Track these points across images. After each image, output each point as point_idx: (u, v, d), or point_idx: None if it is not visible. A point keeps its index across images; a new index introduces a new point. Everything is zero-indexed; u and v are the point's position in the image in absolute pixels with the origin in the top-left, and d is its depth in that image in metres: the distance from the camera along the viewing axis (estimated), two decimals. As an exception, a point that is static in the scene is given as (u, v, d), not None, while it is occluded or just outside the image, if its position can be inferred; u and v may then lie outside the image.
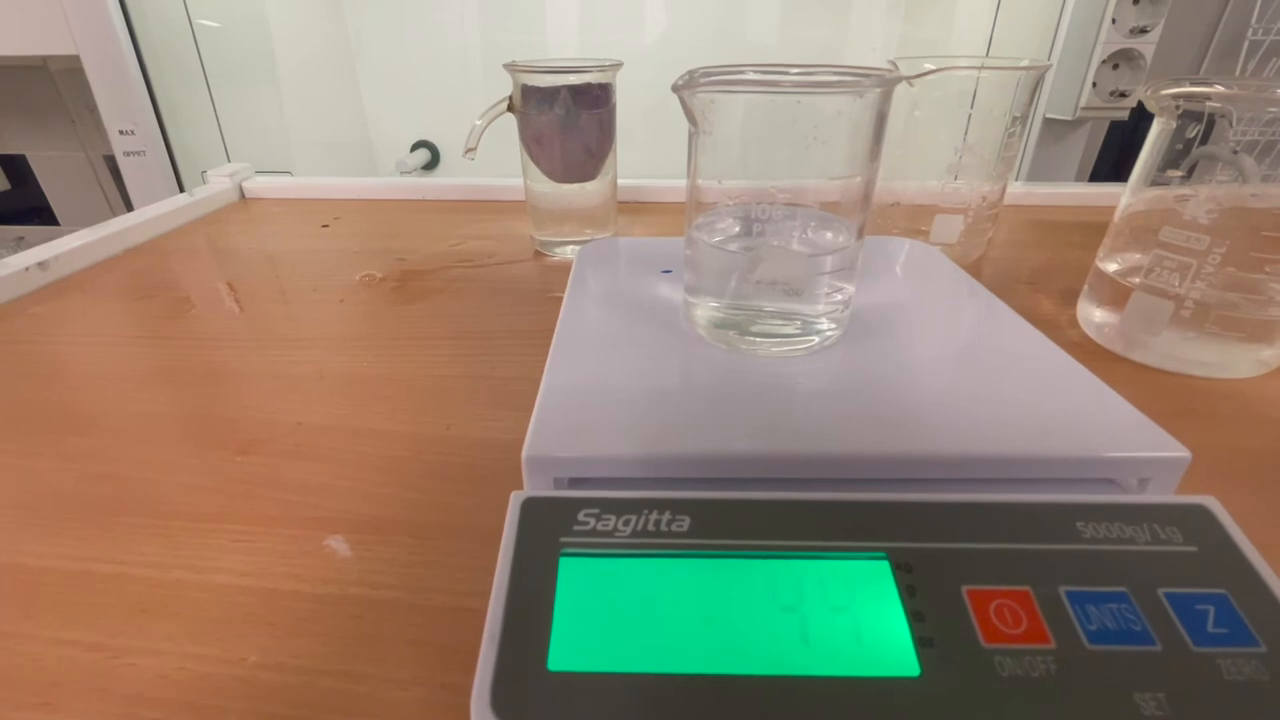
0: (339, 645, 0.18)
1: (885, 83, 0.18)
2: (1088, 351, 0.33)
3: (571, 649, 0.14)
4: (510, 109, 0.42)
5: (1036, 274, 0.43)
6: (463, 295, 0.40)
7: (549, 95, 0.40)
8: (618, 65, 0.41)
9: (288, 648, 0.18)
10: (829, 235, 0.22)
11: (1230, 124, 0.28)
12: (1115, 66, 0.63)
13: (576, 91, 0.40)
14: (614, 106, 0.42)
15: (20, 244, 1.05)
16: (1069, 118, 0.65)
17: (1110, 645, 0.14)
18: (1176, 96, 0.29)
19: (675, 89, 0.19)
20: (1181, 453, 0.17)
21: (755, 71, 0.21)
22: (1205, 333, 0.29)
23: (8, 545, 0.21)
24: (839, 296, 0.22)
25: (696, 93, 0.19)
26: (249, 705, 0.16)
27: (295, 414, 0.28)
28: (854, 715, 0.13)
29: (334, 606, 0.19)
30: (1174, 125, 0.29)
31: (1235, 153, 0.28)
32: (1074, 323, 0.35)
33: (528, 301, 0.39)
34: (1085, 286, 0.35)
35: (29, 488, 0.24)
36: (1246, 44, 0.74)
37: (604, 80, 0.41)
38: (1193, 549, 0.15)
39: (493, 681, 0.13)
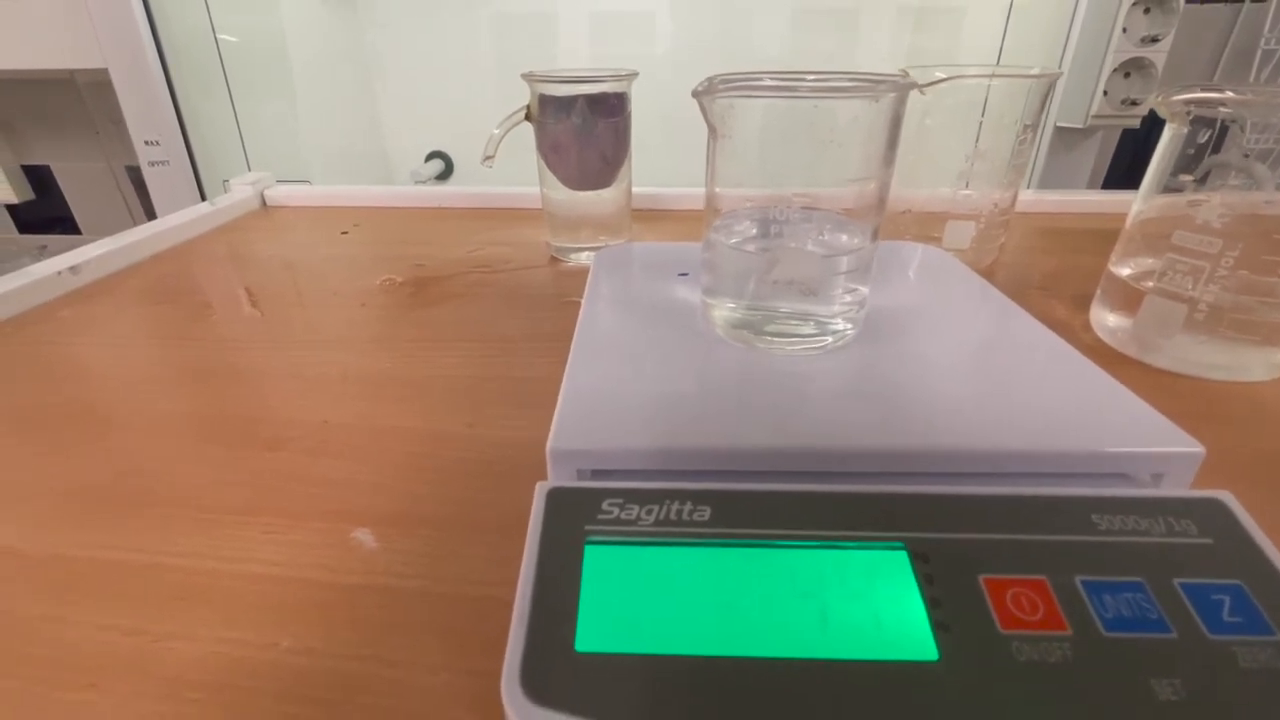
0: (367, 632, 0.18)
1: (899, 87, 0.19)
2: (1101, 355, 0.33)
3: (598, 631, 0.14)
4: (528, 118, 0.43)
5: (1049, 279, 0.43)
6: (480, 300, 0.41)
7: (566, 104, 0.41)
8: (633, 75, 0.42)
9: (318, 634, 0.18)
10: (844, 237, 0.22)
11: (1243, 130, 0.28)
12: (1126, 75, 0.63)
13: (593, 100, 0.41)
14: (629, 115, 0.43)
15: (43, 252, 1.07)
16: (1080, 126, 0.65)
17: (1126, 633, 0.14)
18: (1188, 102, 0.29)
19: (695, 94, 0.20)
20: (1195, 448, 0.17)
21: (772, 78, 0.21)
22: (1219, 336, 0.29)
23: (49, 537, 0.22)
24: (854, 297, 0.22)
25: (716, 98, 0.20)
26: (282, 687, 0.17)
27: (320, 413, 0.29)
28: (873, 697, 0.13)
29: (361, 595, 0.20)
30: (1185, 131, 0.30)
31: (1246, 156, 0.28)
32: (1087, 327, 0.36)
33: (544, 306, 0.40)
34: (1098, 291, 0.35)
35: (66, 483, 0.25)
36: (1260, 53, 0.74)
37: (620, 89, 0.42)
38: (1208, 541, 0.16)
39: (522, 661, 0.14)
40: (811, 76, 0.21)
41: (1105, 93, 0.63)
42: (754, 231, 0.22)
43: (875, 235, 0.22)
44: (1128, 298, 0.32)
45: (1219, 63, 0.76)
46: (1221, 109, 0.28)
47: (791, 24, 0.77)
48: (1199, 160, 0.30)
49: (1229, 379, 0.30)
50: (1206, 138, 0.29)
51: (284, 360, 0.33)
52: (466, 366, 0.33)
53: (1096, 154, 0.71)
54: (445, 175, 0.96)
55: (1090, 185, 0.74)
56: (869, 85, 0.19)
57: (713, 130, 0.21)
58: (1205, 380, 0.30)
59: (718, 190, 0.22)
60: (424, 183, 0.91)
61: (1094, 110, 0.64)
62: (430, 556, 0.21)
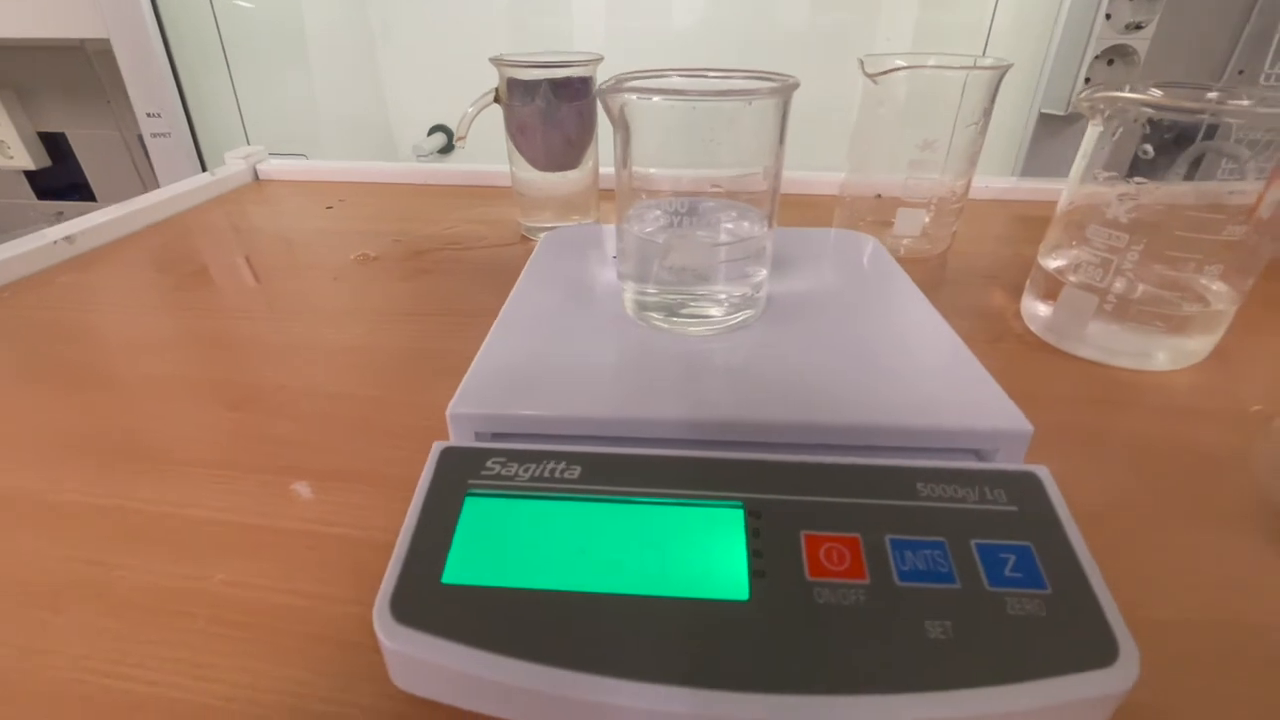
0: (293, 570, 0.21)
1: (781, 90, 0.21)
2: (1027, 343, 0.35)
3: (465, 567, 0.17)
4: (496, 100, 0.44)
5: (998, 268, 0.44)
6: (450, 275, 0.43)
7: (531, 88, 0.42)
8: (598, 59, 0.43)
9: (250, 570, 0.21)
10: (745, 224, 0.24)
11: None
12: (1110, 62, 0.63)
13: (557, 85, 0.42)
14: (594, 99, 0.44)
15: (59, 218, 1.10)
16: (1062, 113, 0.65)
17: (917, 583, 0.16)
18: (1104, 100, 0.30)
19: (598, 93, 0.22)
20: (1023, 426, 0.19)
21: (679, 76, 0.23)
22: (1127, 326, 0.31)
23: (27, 480, 0.25)
24: (749, 282, 0.24)
25: (617, 96, 0.22)
26: (214, 613, 0.20)
27: (279, 378, 0.31)
28: (689, 627, 0.15)
29: (292, 539, 0.22)
30: (1101, 128, 0.31)
31: (1145, 152, 0.29)
32: (1018, 315, 0.37)
33: (508, 283, 0.42)
34: (1028, 281, 0.36)
35: (48, 434, 0.27)
36: (1275, 42, 0.73)
37: (584, 74, 0.43)
38: (1013, 509, 0.18)
39: (394, 589, 0.16)
40: (713, 74, 0.23)
41: (1088, 80, 0.63)
42: (661, 221, 0.24)
43: (770, 222, 0.24)
44: (1050, 288, 0.34)
45: (1232, 53, 0.75)
46: (1139, 109, 0.29)
47: (809, 8, 0.76)
48: (1120, 155, 0.31)
49: (1137, 367, 0.32)
50: (1119, 133, 0.30)
51: (254, 329, 0.36)
52: (423, 340, 0.35)
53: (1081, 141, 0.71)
54: (448, 149, 0.97)
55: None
56: (751, 89, 0.20)
57: (616, 125, 0.23)
58: (1118, 368, 0.32)
59: (625, 180, 0.24)
60: (426, 156, 0.92)
61: (1075, 97, 0.64)
62: (357, 508, 0.23)
